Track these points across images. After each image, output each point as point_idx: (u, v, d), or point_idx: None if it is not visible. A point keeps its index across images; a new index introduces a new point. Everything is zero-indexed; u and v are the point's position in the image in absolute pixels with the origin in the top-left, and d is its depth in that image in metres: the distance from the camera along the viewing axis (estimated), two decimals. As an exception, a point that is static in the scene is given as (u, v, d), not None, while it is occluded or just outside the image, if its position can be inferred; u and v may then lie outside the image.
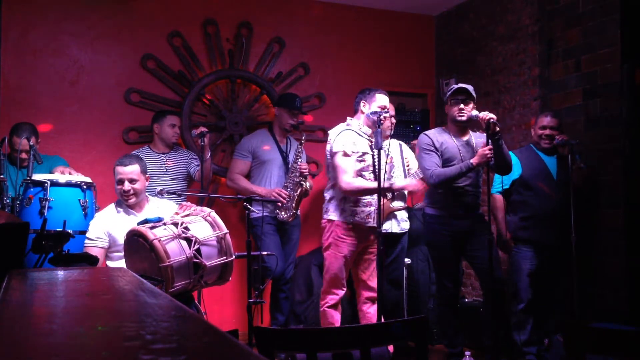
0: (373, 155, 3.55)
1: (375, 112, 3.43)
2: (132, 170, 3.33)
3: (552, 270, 3.96)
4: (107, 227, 3.26)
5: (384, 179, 3.48)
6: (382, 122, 3.42)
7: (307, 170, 4.34)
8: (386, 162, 3.56)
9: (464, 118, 3.68)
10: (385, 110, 3.61)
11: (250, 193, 4.30)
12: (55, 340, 0.89)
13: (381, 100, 3.67)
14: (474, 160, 3.58)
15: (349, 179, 3.51)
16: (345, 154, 3.56)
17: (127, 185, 3.29)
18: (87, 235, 3.27)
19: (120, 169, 3.32)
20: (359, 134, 3.61)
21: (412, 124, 5.51)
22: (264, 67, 5.11)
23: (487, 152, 3.50)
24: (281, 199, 4.22)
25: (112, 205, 3.42)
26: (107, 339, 0.89)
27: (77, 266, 2.56)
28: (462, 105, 3.70)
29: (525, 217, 3.95)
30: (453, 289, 3.92)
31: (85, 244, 3.26)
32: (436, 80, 5.73)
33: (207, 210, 3.12)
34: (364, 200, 3.59)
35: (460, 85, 3.80)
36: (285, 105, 4.48)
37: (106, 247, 3.27)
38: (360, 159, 3.55)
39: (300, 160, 4.37)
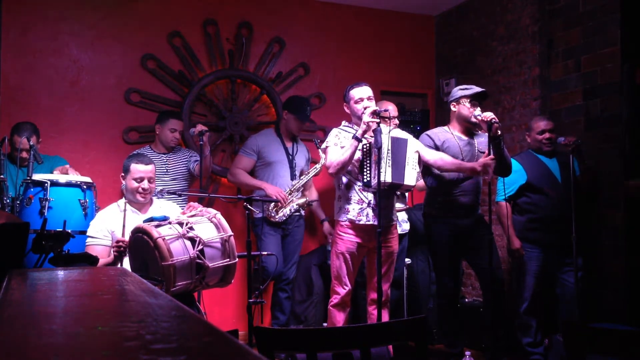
0: (362, 150, 3.51)
1: (374, 113, 3.41)
2: (151, 169, 3.41)
3: (556, 270, 3.96)
4: (110, 225, 3.25)
5: (373, 175, 3.46)
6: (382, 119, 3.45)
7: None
8: (379, 157, 3.52)
9: (476, 119, 3.69)
10: (385, 109, 3.59)
11: (249, 187, 4.34)
12: (55, 340, 0.89)
13: (356, 93, 3.63)
14: (474, 170, 3.63)
15: (331, 158, 3.54)
16: (327, 147, 3.62)
17: (146, 184, 3.34)
18: (90, 233, 3.26)
19: (141, 167, 3.36)
20: (346, 131, 3.62)
21: (412, 124, 5.51)
22: (264, 67, 5.11)
23: (489, 161, 3.50)
24: (280, 200, 4.22)
25: (115, 205, 3.43)
26: (107, 339, 0.89)
27: (77, 266, 2.57)
28: (478, 107, 3.73)
29: (533, 219, 3.96)
30: (453, 288, 3.92)
31: (88, 243, 3.25)
32: (436, 80, 5.73)
33: (212, 211, 3.11)
34: (354, 198, 3.59)
35: (479, 88, 3.80)
36: (294, 112, 4.45)
37: (109, 245, 3.26)
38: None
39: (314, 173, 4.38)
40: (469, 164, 3.61)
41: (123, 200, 3.44)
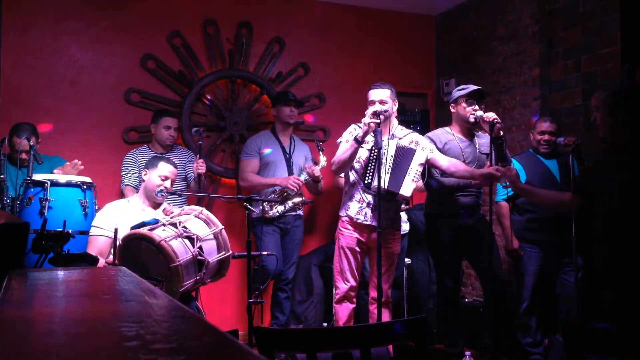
0: (370, 151, 3.53)
1: (374, 113, 3.41)
2: (176, 173, 3.54)
3: (555, 270, 3.96)
4: (115, 218, 3.26)
5: (373, 178, 3.47)
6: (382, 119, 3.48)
7: (319, 175, 4.31)
8: (373, 159, 3.53)
9: (475, 119, 3.69)
10: (385, 110, 3.58)
11: (264, 186, 4.35)
12: (55, 340, 0.89)
13: (371, 95, 3.65)
14: (474, 182, 3.67)
15: (336, 154, 3.59)
16: (341, 142, 3.64)
17: (169, 184, 3.43)
18: (95, 223, 3.29)
19: (170, 167, 3.48)
20: (362, 128, 3.62)
21: (412, 124, 5.51)
22: (264, 67, 5.11)
23: (491, 174, 3.51)
24: (297, 185, 4.22)
25: (124, 200, 3.52)
26: (107, 339, 0.89)
27: (77, 266, 2.57)
28: (476, 106, 3.72)
29: (532, 219, 3.96)
30: (454, 288, 3.92)
31: (92, 232, 3.27)
32: (436, 80, 5.73)
33: (197, 208, 3.15)
34: (356, 197, 3.61)
35: (475, 87, 3.80)
36: (280, 101, 4.53)
37: (112, 238, 3.27)
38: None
39: (306, 174, 4.34)
40: (483, 170, 3.55)
41: (135, 196, 3.47)
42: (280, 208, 4.31)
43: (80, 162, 3.83)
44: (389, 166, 3.50)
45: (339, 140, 3.68)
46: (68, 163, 3.83)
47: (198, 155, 4.11)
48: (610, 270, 2.88)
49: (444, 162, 3.65)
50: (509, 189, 3.98)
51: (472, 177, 3.63)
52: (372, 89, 3.66)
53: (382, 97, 3.61)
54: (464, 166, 3.66)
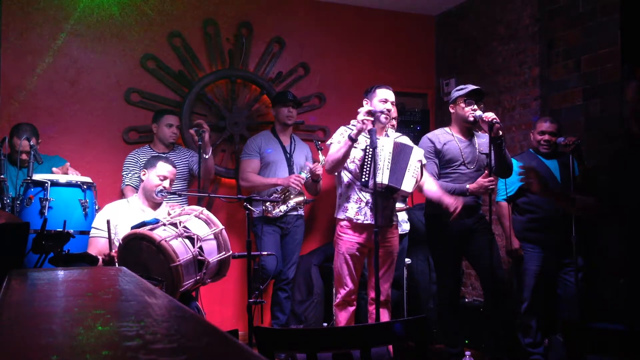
0: (365, 151, 3.52)
1: (369, 112, 3.41)
2: (175, 172, 3.55)
3: (556, 270, 3.96)
4: (115, 219, 3.26)
5: (371, 176, 3.47)
6: (384, 119, 3.47)
7: (319, 174, 4.30)
8: (368, 158, 3.52)
9: (474, 119, 3.70)
10: (380, 110, 3.59)
11: (265, 186, 4.35)
12: (55, 340, 0.89)
13: (382, 94, 3.65)
14: (470, 187, 3.67)
15: (329, 154, 3.60)
16: (331, 144, 3.64)
17: (167, 183, 3.44)
18: (95, 224, 3.31)
19: (168, 166, 3.48)
20: (352, 129, 3.62)
21: (412, 124, 5.51)
22: (264, 67, 5.11)
23: (487, 183, 3.51)
24: (299, 184, 4.22)
25: (124, 200, 3.52)
26: (107, 339, 0.89)
27: (77, 266, 2.57)
28: (475, 106, 3.72)
29: (533, 219, 3.96)
30: (454, 288, 3.92)
31: (92, 234, 3.29)
32: (436, 80, 5.73)
33: (198, 208, 3.16)
34: (353, 197, 3.61)
35: (474, 86, 3.80)
36: (279, 101, 4.53)
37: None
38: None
39: (307, 171, 4.33)
40: (446, 201, 3.57)
41: (135, 196, 3.47)
42: (282, 207, 4.32)
43: (69, 166, 3.80)
44: (388, 162, 3.49)
45: (329, 142, 3.68)
46: (68, 165, 3.82)
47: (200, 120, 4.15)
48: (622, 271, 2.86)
49: (424, 177, 3.67)
50: (510, 189, 3.98)
51: (439, 201, 3.61)
52: (381, 88, 3.68)
53: (393, 98, 3.68)
54: (436, 190, 3.64)
